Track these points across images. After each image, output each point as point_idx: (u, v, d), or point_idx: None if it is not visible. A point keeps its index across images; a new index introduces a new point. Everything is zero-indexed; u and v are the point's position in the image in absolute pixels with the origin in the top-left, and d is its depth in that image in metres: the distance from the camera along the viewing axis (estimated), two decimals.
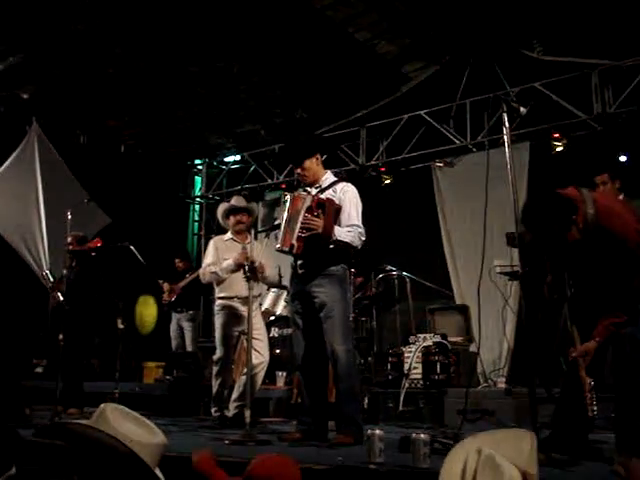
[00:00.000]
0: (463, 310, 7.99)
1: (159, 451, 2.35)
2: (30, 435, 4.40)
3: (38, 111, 9.87)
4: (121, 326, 6.18)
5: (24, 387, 7.26)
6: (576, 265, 3.71)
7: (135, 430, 2.29)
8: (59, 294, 6.81)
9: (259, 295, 6.04)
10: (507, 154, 3.79)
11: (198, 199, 12.82)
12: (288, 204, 4.80)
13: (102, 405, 2.41)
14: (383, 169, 9.98)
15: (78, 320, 6.66)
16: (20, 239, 9.46)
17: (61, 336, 5.73)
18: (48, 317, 7.97)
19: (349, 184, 4.94)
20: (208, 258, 6.22)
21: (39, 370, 9.07)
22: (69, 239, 6.61)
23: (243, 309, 5.93)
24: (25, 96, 9.53)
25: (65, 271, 6.51)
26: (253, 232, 5.22)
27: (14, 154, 9.57)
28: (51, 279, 7.24)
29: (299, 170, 4.96)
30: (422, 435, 3.31)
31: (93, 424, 2.29)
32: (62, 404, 6.17)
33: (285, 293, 8.01)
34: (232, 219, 6.22)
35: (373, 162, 10.13)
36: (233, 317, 6.10)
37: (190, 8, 7.38)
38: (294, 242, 4.65)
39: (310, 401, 4.83)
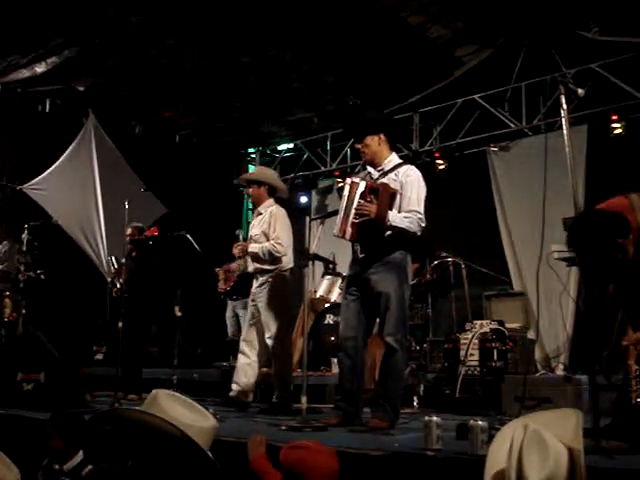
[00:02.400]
0: (520, 296, 7.89)
1: (211, 435, 2.37)
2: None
3: (94, 103, 10.04)
4: (179, 314, 6.26)
5: (85, 374, 7.45)
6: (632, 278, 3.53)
7: (187, 414, 2.32)
8: (119, 283, 6.94)
9: (259, 271, 5.97)
10: (565, 137, 3.71)
11: None
12: (346, 190, 4.78)
13: (154, 391, 2.44)
14: (437, 154, 9.89)
15: (137, 308, 6.77)
16: (79, 230, 9.66)
17: (120, 324, 5.83)
18: (107, 305, 8.16)
19: (413, 167, 4.87)
20: None
21: (99, 357, 9.25)
22: (128, 229, 6.71)
23: (253, 283, 6.04)
24: (81, 88, 9.69)
25: (124, 260, 6.63)
26: (308, 219, 5.17)
27: (71, 146, 9.76)
28: (114, 266, 7.38)
29: (359, 145, 4.92)
30: (480, 422, 3.28)
31: (146, 409, 2.32)
32: (122, 390, 6.30)
33: (340, 280, 8.02)
34: None
35: (427, 148, 10.06)
36: None
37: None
38: (348, 228, 4.65)
39: (349, 386, 4.83)
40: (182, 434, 2.19)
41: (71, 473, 3.93)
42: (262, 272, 5.94)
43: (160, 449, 2.19)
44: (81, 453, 4.00)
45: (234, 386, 5.97)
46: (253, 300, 6.04)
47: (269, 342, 5.86)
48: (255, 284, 6.03)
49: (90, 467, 3.89)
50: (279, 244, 5.87)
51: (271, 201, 6.11)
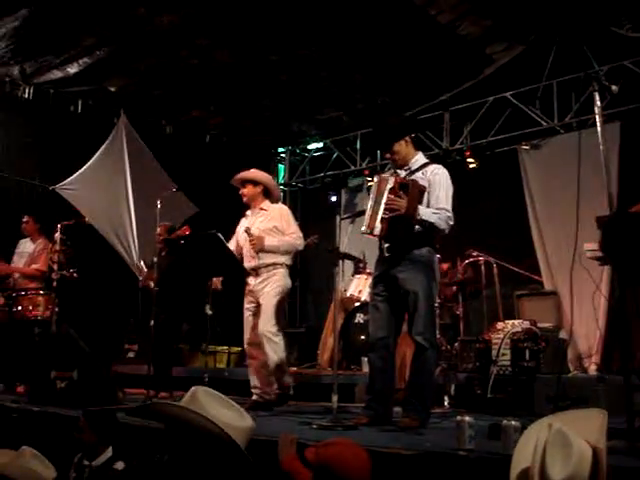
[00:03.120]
0: (552, 296, 7.81)
1: (247, 435, 2.38)
2: (124, 417, 4.56)
3: (126, 103, 10.12)
4: (209, 312, 6.29)
5: (117, 371, 7.51)
6: None
7: (225, 413, 2.33)
8: (151, 283, 7.00)
9: (264, 266, 5.94)
10: (599, 134, 3.67)
11: (281, 187, 12.91)
12: (374, 187, 4.77)
13: (193, 388, 2.46)
14: (468, 153, 9.84)
15: (167, 306, 6.81)
16: (111, 229, 9.74)
17: (152, 322, 5.87)
18: (139, 303, 8.22)
19: (440, 166, 4.86)
20: None
21: (131, 355, 9.33)
22: (159, 229, 6.76)
23: (250, 281, 5.98)
24: (113, 89, 9.78)
25: (155, 259, 6.67)
26: (339, 218, 5.17)
27: (103, 146, 9.84)
28: (145, 269, 7.45)
29: (388, 155, 4.94)
30: (513, 422, 3.26)
31: (185, 405, 2.33)
32: (153, 388, 6.34)
33: (370, 279, 8.00)
34: None
35: (457, 146, 10.01)
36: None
37: None
38: (378, 224, 4.64)
39: (380, 386, 4.82)
40: (222, 432, 2.20)
41: (100, 469, 3.96)
42: (267, 267, 5.91)
43: (200, 446, 2.20)
44: (110, 449, 4.04)
45: (254, 390, 5.94)
46: (251, 298, 5.98)
47: (266, 334, 5.75)
48: (255, 280, 5.94)
49: (120, 464, 3.92)
50: (299, 237, 6.02)
51: (268, 202, 6.16)
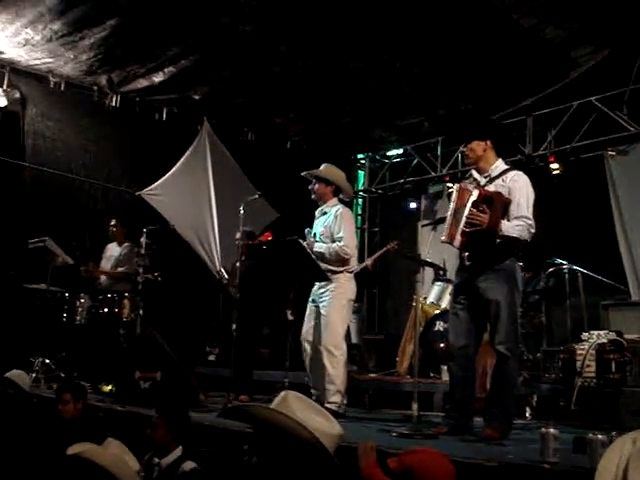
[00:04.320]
0: None
1: (336, 442, 2.39)
2: (206, 420, 4.64)
3: (209, 111, 10.32)
4: (291, 317, 6.33)
5: (199, 374, 7.65)
6: None
7: (315, 419, 2.33)
8: (233, 289, 7.09)
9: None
10: None
11: (361, 193, 12.94)
12: (454, 195, 4.72)
13: (284, 392, 2.47)
14: (551, 159, 9.63)
15: (249, 311, 6.89)
16: (194, 234, 9.93)
17: (234, 326, 5.94)
18: (220, 307, 8.35)
19: (520, 173, 4.78)
20: None
21: (212, 358, 9.46)
22: (238, 234, 6.86)
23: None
24: (197, 97, 9.98)
25: (238, 264, 6.76)
26: (420, 225, 5.12)
27: (187, 153, 10.05)
28: (225, 276, 7.56)
29: (464, 148, 4.89)
30: (599, 436, 3.17)
31: (275, 408, 2.35)
32: (234, 391, 6.41)
33: (450, 286, 7.93)
34: None
35: (541, 152, 9.81)
36: None
37: (352, 4, 7.43)
38: (458, 236, 4.59)
39: (460, 395, 4.76)
40: (313, 438, 2.21)
41: (168, 468, 4.00)
42: (326, 272, 5.81)
43: (289, 450, 2.21)
44: (180, 449, 4.08)
45: (314, 391, 5.88)
46: (314, 300, 5.95)
47: (327, 346, 5.68)
48: (317, 284, 5.92)
49: (189, 464, 3.95)
50: (346, 246, 5.79)
51: (335, 200, 6.06)
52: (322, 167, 6.12)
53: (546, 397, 6.45)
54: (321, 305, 5.82)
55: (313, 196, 6.08)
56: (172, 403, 4.49)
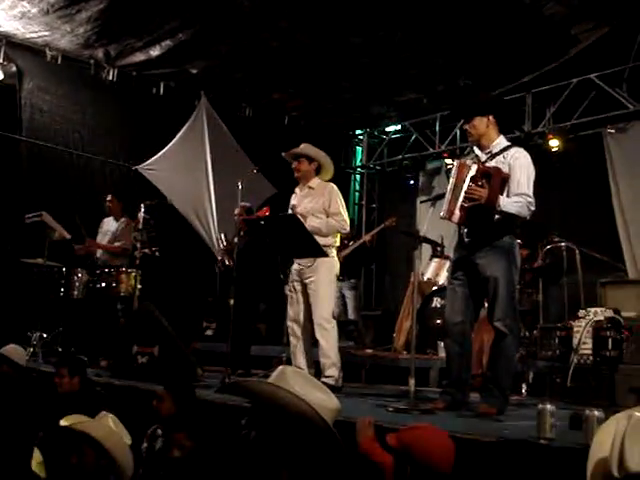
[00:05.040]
0: (638, 284, 7.57)
1: (334, 416, 2.39)
2: (205, 395, 4.66)
3: (206, 86, 10.26)
4: (288, 292, 6.33)
5: (196, 349, 7.67)
6: None
7: (314, 393, 2.34)
8: (228, 258, 7.08)
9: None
10: None
11: (359, 169, 12.94)
12: (454, 171, 4.70)
13: (281, 367, 2.47)
14: (550, 136, 9.60)
15: (245, 286, 6.88)
16: (191, 209, 9.93)
17: (232, 301, 5.94)
18: (217, 282, 8.35)
19: (521, 150, 4.74)
20: None
21: (209, 333, 9.49)
22: (237, 209, 6.83)
23: (297, 260, 5.90)
24: (194, 71, 9.92)
25: (235, 239, 6.75)
26: (419, 201, 5.10)
27: (184, 128, 10.03)
28: (224, 243, 7.54)
29: (467, 126, 4.84)
30: (596, 412, 3.18)
31: (274, 382, 2.35)
32: (231, 366, 6.43)
33: (448, 263, 7.93)
34: None
35: (540, 129, 9.78)
36: None
37: None
38: (456, 211, 4.58)
39: (457, 371, 4.77)
40: (313, 411, 2.21)
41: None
42: None
43: (289, 425, 2.22)
44: None
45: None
46: (298, 277, 5.88)
47: (319, 320, 5.68)
48: (302, 260, 5.85)
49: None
50: (344, 220, 5.81)
51: (317, 178, 6.01)
52: (302, 146, 6.05)
53: (542, 374, 6.47)
54: (308, 280, 5.78)
55: (296, 174, 6.02)
56: (178, 376, 4.50)
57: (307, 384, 2.37)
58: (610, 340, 6.02)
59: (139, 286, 7.22)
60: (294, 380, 2.33)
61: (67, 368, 5.07)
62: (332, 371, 5.64)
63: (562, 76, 9.27)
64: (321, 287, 5.73)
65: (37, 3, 7.98)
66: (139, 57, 9.45)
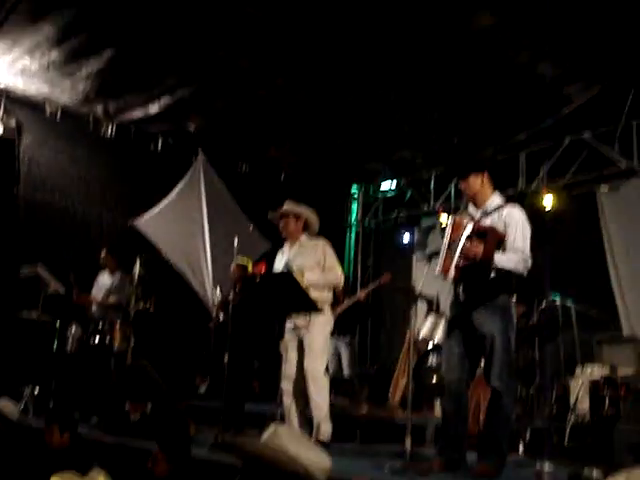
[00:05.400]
0: (633, 342, 7.56)
1: (326, 474, 2.37)
2: (198, 453, 4.59)
3: (204, 142, 10.36)
4: (282, 351, 6.29)
5: (189, 405, 7.57)
6: None
7: (306, 452, 2.32)
8: (222, 314, 7.04)
9: None
10: None
11: (354, 225, 12.96)
12: (449, 228, 4.73)
13: (273, 425, 2.46)
14: (544, 194, 9.66)
15: (241, 342, 6.84)
16: (186, 264, 9.90)
17: (226, 358, 5.90)
18: (211, 338, 8.30)
19: (516, 207, 4.79)
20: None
21: (202, 389, 9.38)
22: (233, 265, 6.83)
23: (293, 318, 5.86)
24: (192, 128, 10.03)
25: (231, 295, 6.73)
26: (415, 258, 5.11)
27: (181, 183, 10.07)
28: (218, 297, 7.52)
29: (461, 184, 4.89)
30: (594, 472, 3.15)
31: (267, 442, 2.33)
32: (225, 424, 6.34)
33: (444, 320, 7.90)
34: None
35: (533, 187, 9.86)
36: None
37: (346, 40, 7.50)
38: (451, 269, 4.59)
39: (453, 431, 4.72)
40: (306, 472, 2.19)
41: None
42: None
43: None
44: None
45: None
46: (293, 335, 5.87)
47: (311, 374, 5.66)
48: (297, 317, 5.82)
49: None
50: (340, 275, 5.86)
51: (305, 235, 6.04)
52: (286, 205, 6.09)
53: (540, 433, 6.40)
54: (303, 337, 5.78)
55: (284, 234, 6.04)
56: (173, 436, 4.43)
57: (300, 443, 2.35)
58: (607, 399, 5.99)
59: (132, 342, 7.17)
60: (287, 439, 2.32)
61: (57, 424, 5.00)
62: (325, 426, 5.62)
63: (555, 134, 9.39)
64: (315, 342, 5.72)
65: (38, 59, 8.09)
66: (138, 113, 9.55)
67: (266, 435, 2.37)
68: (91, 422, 6.80)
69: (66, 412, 5.71)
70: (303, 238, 6.03)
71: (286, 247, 6.15)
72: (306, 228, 6.09)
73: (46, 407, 7.33)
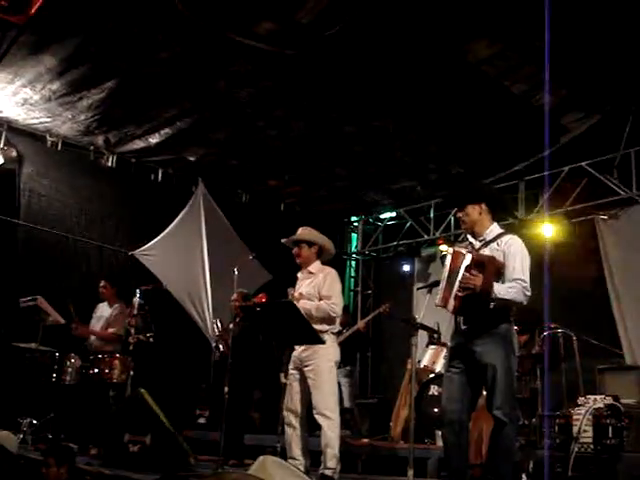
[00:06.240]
0: (636, 370, 7.52)
1: None
2: None
3: (204, 172, 10.40)
4: (284, 380, 6.24)
5: (188, 437, 7.50)
6: None
7: None
8: (223, 344, 7.01)
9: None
10: None
11: (354, 255, 12.97)
12: (448, 259, 4.72)
13: (261, 457, 2.44)
14: (544, 223, 9.69)
15: (240, 373, 6.81)
16: (186, 295, 9.87)
17: (226, 389, 5.86)
18: (211, 369, 8.26)
19: (515, 237, 4.78)
20: None
21: (202, 420, 9.32)
22: (234, 295, 6.82)
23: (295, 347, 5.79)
24: (192, 158, 10.08)
25: (231, 326, 6.70)
26: (415, 288, 5.11)
27: (181, 214, 10.08)
28: (219, 329, 7.50)
29: (460, 214, 4.88)
30: None
31: (253, 474, 2.31)
32: (224, 455, 6.29)
33: (445, 350, 7.86)
34: None
35: (533, 216, 9.88)
36: None
37: (345, 71, 7.56)
38: (451, 300, 4.57)
39: (455, 462, 4.66)
40: None
41: None
42: None
43: None
44: None
45: (292, 462, 5.56)
46: (296, 367, 5.74)
47: (323, 411, 5.52)
48: (300, 347, 5.73)
49: None
50: (334, 304, 5.67)
51: (319, 262, 5.96)
52: (300, 231, 6.05)
53: (543, 463, 6.34)
54: (307, 369, 5.65)
55: (298, 260, 5.99)
56: (168, 470, 4.40)
57: (287, 475, 2.33)
58: (611, 428, 5.93)
59: (132, 373, 7.13)
60: (274, 471, 2.30)
61: (54, 457, 4.96)
62: (333, 463, 5.46)
63: (554, 164, 9.42)
64: (321, 376, 5.58)
65: (39, 90, 8.16)
66: (138, 144, 9.62)
67: (254, 467, 2.35)
68: (90, 454, 6.75)
69: (62, 445, 5.68)
70: (314, 266, 5.94)
71: (299, 274, 6.08)
72: (321, 254, 6.02)
73: (44, 439, 7.28)
